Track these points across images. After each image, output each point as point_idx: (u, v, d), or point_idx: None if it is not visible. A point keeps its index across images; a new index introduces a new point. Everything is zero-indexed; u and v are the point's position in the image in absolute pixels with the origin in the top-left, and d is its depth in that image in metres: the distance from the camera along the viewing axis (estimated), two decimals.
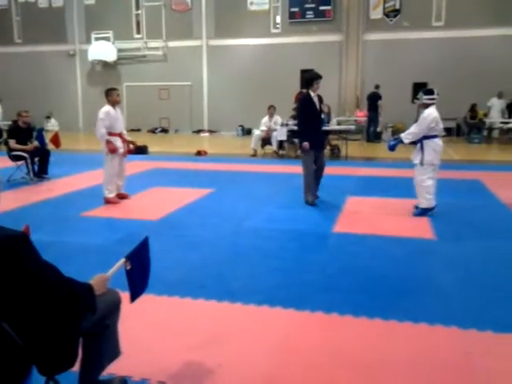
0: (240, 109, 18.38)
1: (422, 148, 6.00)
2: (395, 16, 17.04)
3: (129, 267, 2.28)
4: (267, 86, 17.86)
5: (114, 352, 2.29)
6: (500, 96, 15.54)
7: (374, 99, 15.53)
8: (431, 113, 5.91)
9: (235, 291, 3.76)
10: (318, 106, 6.70)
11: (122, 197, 7.09)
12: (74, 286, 1.85)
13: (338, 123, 14.40)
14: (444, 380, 2.61)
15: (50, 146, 9.33)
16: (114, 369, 2.47)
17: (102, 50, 19.61)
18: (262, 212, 6.41)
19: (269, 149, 12.51)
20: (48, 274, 1.74)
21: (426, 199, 6.05)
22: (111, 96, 6.83)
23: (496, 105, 15.63)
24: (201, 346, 2.95)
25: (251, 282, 3.97)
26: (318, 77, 6.62)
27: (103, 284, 2.11)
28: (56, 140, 9.40)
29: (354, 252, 4.75)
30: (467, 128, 16.03)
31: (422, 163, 5.99)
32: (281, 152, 12.28)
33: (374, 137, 15.56)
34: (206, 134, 19.06)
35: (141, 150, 12.31)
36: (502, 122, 15.45)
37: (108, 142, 6.72)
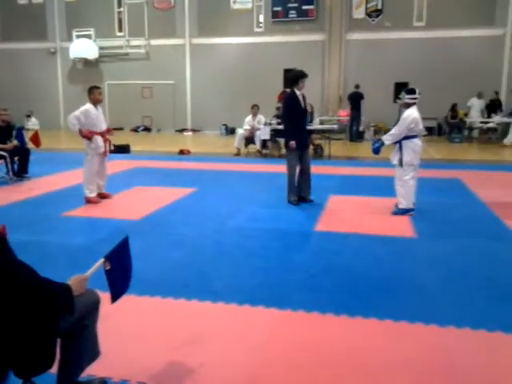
0: (223, 108, 18.35)
1: (400, 148, 6.06)
2: (377, 16, 17.17)
3: (108, 267, 2.26)
4: (250, 85, 17.86)
5: (93, 353, 2.27)
6: (480, 96, 15.77)
7: (355, 99, 15.62)
8: (411, 114, 5.97)
9: (217, 290, 3.76)
10: (303, 105, 6.71)
11: (103, 196, 7.02)
12: (51, 286, 1.83)
13: (321, 123, 14.47)
14: (423, 376, 2.63)
15: (30, 145, 9.20)
16: (93, 370, 2.45)
17: (84, 47, 19.38)
18: (245, 211, 6.41)
19: (252, 148, 12.52)
20: (23, 274, 1.71)
21: (406, 200, 6.11)
22: (93, 94, 6.75)
23: (476, 105, 15.86)
24: (182, 345, 2.93)
25: (233, 282, 3.97)
26: (304, 75, 6.62)
27: (81, 284, 2.09)
28: (36, 139, 9.26)
29: (336, 251, 4.78)
30: (448, 127, 16.24)
31: (400, 164, 6.06)
32: (264, 151, 12.29)
33: (356, 136, 15.66)
34: (190, 133, 18.99)
35: (123, 149, 12.21)
36: (481, 122, 15.68)
37: (81, 130, 6.64)
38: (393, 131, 6.09)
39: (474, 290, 3.82)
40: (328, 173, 9.33)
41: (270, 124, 11.77)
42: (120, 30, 19.69)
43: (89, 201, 6.79)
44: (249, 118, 12.55)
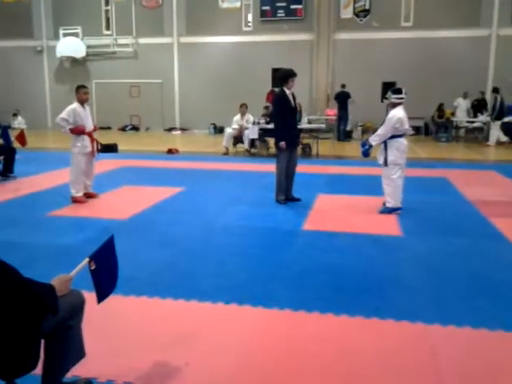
0: (212, 107, 18.31)
1: (385, 148, 6.11)
2: (365, 16, 17.26)
3: (93, 267, 2.25)
4: (239, 84, 17.86)
5: (77, 353, 2.25)
6: (465, 96, 15.92)
7: (342, 98, 15.68)
8: (396, 114, 6.02)
9: (204, 290, 3.75)
10: (293, 104, 6.72)
11: (90, 196, 6.98)
12: (34, 286, 1.81)
13: (309, 122, 14.51)
14: (409, 373, 2.66)
15: (16, 144, 9.11)
16: (79, 370, 2.44)
17: (71, 46, 19.22)
18: (233, 210, 6.41)
19: (241, 147, 12.52)
20: (5, 275, 1.70)
21: (393, 199, 6.16)
22: (79, 94, 6.72)
23: (462, 104, 16.01)
24: (168, 345, 2.93)
25: (220, 281, 3.97)
26: (293, 74, 6.62)
27: (66, 285, 2.08)
28: (22, 138, 9.18)
29: (323, 249, 4.80)
30: (435, 127, 16.38)
31: (385, 163, 6.10)
32: (252, 150, 12.30)
33: (344, 135, 15.72)
34: (178, 132, 18.93)
35: (110, 149, 12.13)
36: (467, 122, 15.83)
37: (71, 130, 6.61)
38: (379, 132, 6.14)
39: (460, 287, 3.86)
40: (316, 172, 9.37)
41: (259, 123, 11.78)
42: (107, 28, 19.57)
43: (75, 200, 6.74)
44: (237, 117, 12.55)
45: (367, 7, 17.18)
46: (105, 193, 7.37)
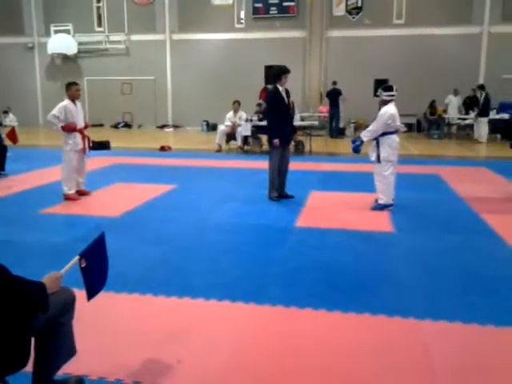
0: (205, 104, 18.27)
1: (377, 145, 6.13)
2: (357, 13, 17.27)
3: (84, 264, 2.24)
4: (232, 81, 17.82)
5: (68, 351, 2.24)
6: (456, 93, 15.99)
7: (334, 95, 15.70)
8: (388, 110, 6.04)
9: (197, 287, 3.75)
10: (286, 101, 6.71)
11: (82, 193, 6.94)
12: (24, 284, 1.80)
13: (302, 119, 14.51)
14: (401, 368, 2.67)
15: (7, 142, 9.04)
16: (70, 368, 2.43)
17: (62, 43, 19.09)
18: (226, 207, 6.40)
19: (234, 144, 12.50)
20: None
21: (385, 196, 6.18)
22: (70, 91, 6.67)
23: (453, 101, 16.08)
24: (160, 343, 2.92)
25: (213, 278, 3.96)
26: (287, 71, 6.61)
27: (56, 282, 2.07)
28: (13, 135, 9.13)
29: (316, 246, 4.81)
30: (427, 124, 16.45)
31: (378, 160, 6.12)
32: (245, 147, 12.29)
33: (337, 132, 15.75)
34: (171, 129, 18.88)
35: (103, 146, 12.08)
36: (459, 119, 15.90)
37: (63, 127, 6.57)
38: (370, 128, 6.15)
39: (452, 283, 3.88)
40: (309, 169, 9.38)
41: (251, 120, 11.77)
42: (99, 25, 19.45)
43: (67, 198, 6.71)
44: (230, 114, 12.53)
45: (359, 4, 17.20)
46: (97, 190, 7.33)
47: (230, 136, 12.42)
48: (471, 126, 15.43)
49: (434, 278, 4.00)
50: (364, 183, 7.29)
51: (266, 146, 9.94)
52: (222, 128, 12.63)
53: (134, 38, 19.09)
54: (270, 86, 7.06)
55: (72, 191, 6.76)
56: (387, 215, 5.98)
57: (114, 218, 5.84)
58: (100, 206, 6.55)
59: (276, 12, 17.71)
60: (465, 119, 15.74)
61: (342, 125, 16.28)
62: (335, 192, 7.38)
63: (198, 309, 3.41)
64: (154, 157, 11.22)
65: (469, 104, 15.95)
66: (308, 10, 17.35)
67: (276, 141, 6.60)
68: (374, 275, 4.06)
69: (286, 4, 17.55)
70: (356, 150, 6.35)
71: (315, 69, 17.62)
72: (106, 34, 19.28)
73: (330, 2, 17.34)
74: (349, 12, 17.34)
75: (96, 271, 2.37)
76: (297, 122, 12.33)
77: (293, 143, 11.46)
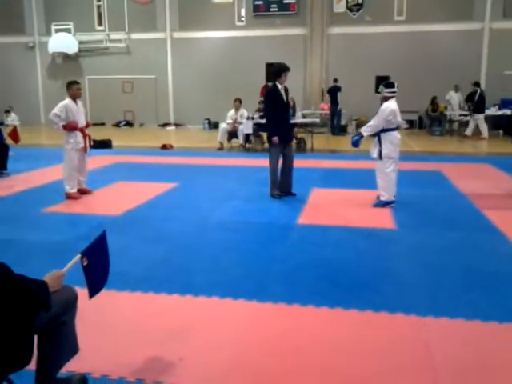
0: (206, 102, 18.26)
1: (379, 141, 6.12)
2: (358, 10, 17.23)
3: (85, 263, 2.24)
4: (233, 79, 17.80)
5: (71, 349, 2.25)
6: (456, 89, 15.92)
7: (334, 92, 15.68)
8: (389, 105, 6.03)
9: (199, 285, 3.75)
10: (285, 98, 6.71)
11: (83, 192, 6.95)
12: (27, 283, 1.80)
13: (304, 116, 14.49)
14: (403, 365, 2.67)
15: (9, 141, 9.05)
16: (73, 366, 2.43)
17: (63, 42, 19.09)
18: (228, 205, 6.40)
19: (235, 142, 12.50)
20: None
21: (387, 192, 6.17)
22: (71, 89, 6.68)
23: (454, 98, 16.02)
24: (163, 341, 2.93)
25: (215, 275, 3.97)
26: (286, 69, 6.61)
27: (58, 280, 2.07)
28: (14, 135, 9.13)
29: (318, 243, 4.81)
30: (429, 120, 16.40)
31: (380, 157, 6.11)
32: (247, 145, 12.28)
33: (338, 130, 15.72)
34: (172, 128, 18.87)
35: (104, 144, 12.09)
36: (460, 115, 15.85)
37: (64, 126, 6.58)
38: (371, 123, 6.15)
39: (454, 280, 3.88)
40: (311, 166, 9.37)
41: (253, 118, 11.76)
42: (100, 23, 19.43)
43: (69, 196, 6.72)
44: (231, 112, 12.52)
45: (360, 1, 17.15)
46: (99, 189, 7.34)
47: (232, 134, 12.42)
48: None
49: (436, 274, 3.99)
50: (366, 180, 7.28)
51: (267, 144, 9.93)
52: (223, 126, 12.62)
53: (135, 36, 19.08)
54: (270, 84, 7.05)
55: (74, 190, 6.77)
56: (389, 212, 5.97)
57: (116, 216, 5.85)
58: (102, 205, 6.55)
59: (276, 9, 17.68)
60: (466, 115, 15.69)
61: (343, 122, 16.25)
62: (337, 189, 7.37)
63: (199, 307, 3.41)
64: (155, 155, 11.22)
65: (471, 100, 15.87)
66: (308, 7, 17.31)
67: (275, 138, 6.60)
68: (376, 272, 4.06)
69: (286, 1, 17.50)
70: (355, 144, 6.33)
71: (316, 66, 17.58)
72: (107, 32, 19.27)
73: None
74: (349, 9, 17.30)
75: (98, 269, 2.37)
76: (298, 120, 12.35)
77: (294, 141, 11.48)
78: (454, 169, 9.04)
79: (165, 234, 5.14)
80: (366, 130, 6.18)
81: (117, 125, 19.42)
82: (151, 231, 5.24)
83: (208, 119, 18.27)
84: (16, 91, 19.83)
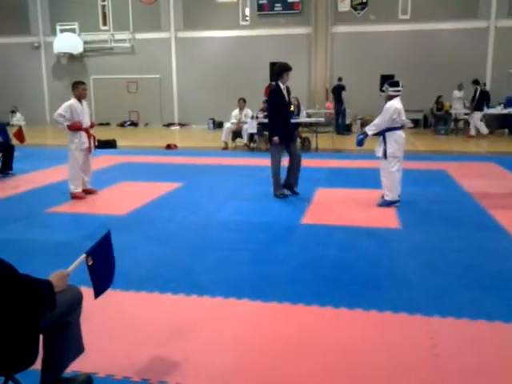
0: (211, 102, 18.26)
1: (384, 140, 6.11)
2: (362, 9, 17.18)
3: (91, 262, 2.25)
4: (237, 78, 17.80)
5: (76, 349, 2.26)
6: (460, 88, 15.81)
7: (339, 91, 15.65)
8: (393, 104, 6.01)
9: (203, 284, 3.76)
10: (286, 98, 6.71)
11: (88, 192, 6.97)
12: (31, 282, 1.81)
13: (308, 115, 14.48)
14: (408, 365, 2.66)
15: (14, 141, 9.10)
16: (78, 366, 2.44)
17: (68, 42, 19.14)
18: (232, 205, 6.41)
19: (240, 142, 12.50)
20: (3, 273, 1.70)
21: (391, 192, 6.15)
22: (76, 90, 6.70)
23: (459, 96, 15.94)
24: (167, 340, 2.93)
25: (219, 275, 3.97)
26: (289, 68, 6.61)
27: (63, 280, 2.08)
28: (20, 135, 9.18)
29: (322, 243, 4.80)
30: (434, 119, 16.34)
31: (384, 156, 6.10)
32: (251, 145, 12.29)
33: (343, 129, 15.70)
34: (177, 128, 18.90)
35: (109, 145, 12.12)
36: (466, 114, 15.79)
37: (69, 126, 6.61)
38: (376, 121, 6.13)
39: (458, 279, 3.86)
40: (315, 166, 9.35)
41: (257, 117, 11.75)
42: (104, 23, 19.47)
43: (74, 196, 6.74)
44: (236, 111, 12.52)
45: (364, 0, 17.11)
46: (103, 189, 7.36)
47: (236, 133, 12.42)
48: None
49: (441, 273, 3.98)
50: (370, 179, 7.27)
51: None
52: (227, 126, 12.63)
53: (139, 36, 19.11)
54: (273, 83, 7.06)
55: (79, 190, 6.79)
56: (393, 211, 5.96)
57: (121, 216, 5.87)
58: (107, 205, 6.57)
59: (281, 8, 17.66)
60: (467, 114, 15.61)
61: (348, 121, 16.22)
62: (341, 188, 7.36)
63: (204, 306, 3.42)
64: (160, 155, 11.24)
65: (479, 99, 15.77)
66: (313, 6, 17.29)
67: (275, 138, 6.61)
68: (381, 272, 4.05)
69: (290, 0, 17.48)
70: (360, 143, 6.32)
71: (321, 65, 17.56)
72: (112, 32, 19.31)
73: None
74: (354, 8, 17.26)
75: (103, 269, 2.38)
76: (303, 119, 12.34)
77: (299, 140, 11.47)
78: (459, 168, 9.01)
79: (169, 233, 5.15)
80: (370, 129, 6.17)
81: (122, 125, 19.46)
82: (156, 231, 5.25)
83: (212, 119, 18.29)
84: (21, 91, 19.91)
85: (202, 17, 18.34)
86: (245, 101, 12.49)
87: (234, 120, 12.42)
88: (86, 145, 6.79)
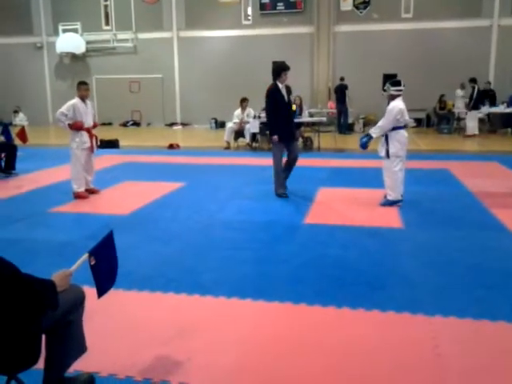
0: (213, 101, 18.26)
1: (386, 140, 6.10)
2: (365, 8, 17.16)
3: (93, 262, 2.25)
4: (239, 78, 17.80)
5: (79, 348, 2.26)
6: (462, 87, 15.77)
7: (341, 91, 15.63)
8: (396, 105, 6.01)
9: (206, 284, 3.76)
10: (286, 98, 6.71)
11: (91, 191, 6.99)
12: (34, 282, 1.82)
13: (310, 115, 14.46)
14: (411, 365, 2.66)
15: (17, 141, 9.12)
16: (80, 365, 2.45)
17: (70, 42, 19.17)
18: (234, 204, 6.41)
19: (242, 141, 12.50)
20: (5, 273, 1.70)
21: (394, 191, 6.14)
22: (79, 90, 6.74)
23: (462, 95, 15.90)
24: (170, 340, 2.94)
25: (222, 275, 3.97)
26: (287, 68, 6.62)
27: (65, 280, 2.08)
28: (22, 135, 9.19)
29: (324, 242, 4.80)
30: (437, 119, 16.31)
31: (387, 155, 6.09)
32: (254, 144, 12.28)
33: (345, 128, 15.68)
34: (179, 127, 18.91)
35: (111, 144, 12.14)
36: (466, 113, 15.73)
37: (70, 125, 6.63)
38: (380, 124, 6.12)
39: (461, 278, 3.85)
40: (318, 165, 9.35)
41: (260, 117, 11.74)
42: (107, 23, 19.49)
43: (77, 196, 6.76)
44: (238, 111, 12.52)
45: None
46: (106, 188, 7.37)
47: (239, 133, 12.42)
48: (481, 120, 15.24)
49: (444, 273, 3.97)
50: (373, 179, 7.26)
51: None
52: (230, 125, 12.63)
53: (142, 36, 19.12)
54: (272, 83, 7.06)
55: (82, 189, 6.81)
56: (396, 211, 5.95)
57: (123, 216, 5.87)
58: (109, 204, 6.58)
59: (283, 8, 17.65)
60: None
61: (350, 120, 16.20)
62: (344, 188, 7.35)
63: (207, 306, 3.42)
64: (162, 155, 11.25)
65: (484, 97, 15.69)
66: (315, 5, 17.26)
67: (275, 137, 6.62)
68: (384, 271, 4.04)
69: None
70: (364, 145, 6.32)
71: (323, 64, 17.54)
72: (114, 32, 19.33)
73: None
74: (356, 7, 17.23)
75: (105, 269, 2.38)
76: (305, 118, 12.33)
77: (301, 139, 11.47)
78: (462, 167, 8.99)
79: (172, 233, 5.16)
80: (374, 132, 6.16)
81: (124, 124, 19.48)
82: (158, 231, 5.25)
83: (215, 118, 18.29)
84: (24, 91, 19.95)
85: (204, 16, 18.34)
86: (247, 100, 12.48)
87: (236, 120, 12.42)
88: (87, 144, 6.80)
